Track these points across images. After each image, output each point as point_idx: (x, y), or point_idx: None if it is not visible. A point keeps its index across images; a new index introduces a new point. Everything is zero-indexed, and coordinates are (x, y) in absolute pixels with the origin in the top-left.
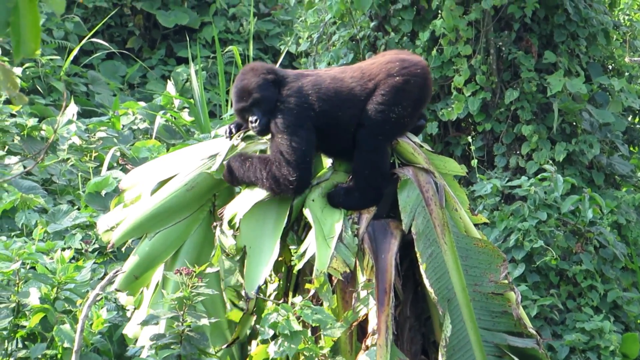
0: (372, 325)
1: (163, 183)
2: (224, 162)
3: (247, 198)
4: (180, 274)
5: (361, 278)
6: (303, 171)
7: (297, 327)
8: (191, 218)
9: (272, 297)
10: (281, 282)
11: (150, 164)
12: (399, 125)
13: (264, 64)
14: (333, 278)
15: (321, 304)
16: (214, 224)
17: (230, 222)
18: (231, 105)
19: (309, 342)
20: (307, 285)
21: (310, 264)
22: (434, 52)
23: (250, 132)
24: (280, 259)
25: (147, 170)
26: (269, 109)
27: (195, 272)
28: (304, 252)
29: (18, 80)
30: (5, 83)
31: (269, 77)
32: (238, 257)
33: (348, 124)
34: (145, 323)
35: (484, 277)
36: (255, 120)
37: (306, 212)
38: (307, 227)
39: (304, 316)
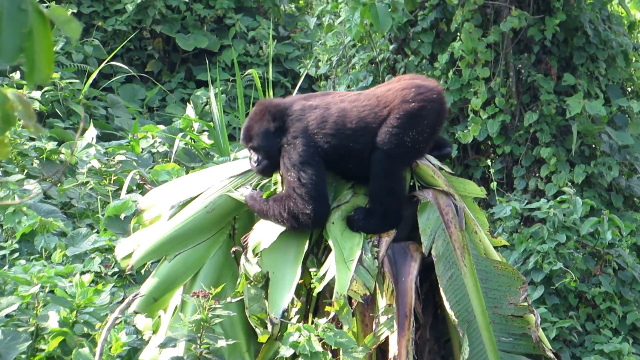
0: (392, 350)
1: (183, 205)
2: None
3: (270, 226)
4: (197, 296)
5: (381, 301)
6: (318, 203)
7: (318, 347)
8: (211, 240)
9: (293, 320)
10: (301, 305)
11: (170, 185)
12: (414, 150)
13: (272, 104)
14: (353, 301)
15: (341, 327)
16: (233, 248)
17: (254, 250)
18: None
19: None
20: (327, 308)
21: (330, 286)
22: (452, 74)
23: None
24: (300, 281)
25: (166, 191)
26: (268, 154)
27: (212, 294)
28: (324, 274)
29: (34, 111)
30: (23, 114)
31: (271, 126)
32: (261, 284)
33: (362, 151)
34: (163, 346)
35: (503, 300)
36: (255, 161)
37: (326, 235)
38: (327, 249)
39: (326, 338)
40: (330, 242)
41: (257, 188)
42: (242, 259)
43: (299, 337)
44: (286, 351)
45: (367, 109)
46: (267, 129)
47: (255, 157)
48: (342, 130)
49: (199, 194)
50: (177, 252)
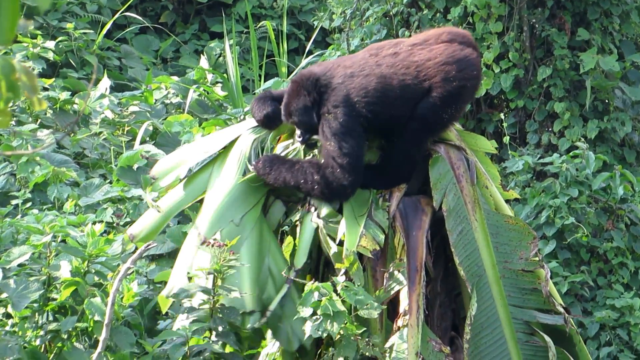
0: (403, 305)
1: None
2: (262, 159)
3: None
4: (212, 246)
5: (392, 256)
6: (356, 176)
7: (341, 306)
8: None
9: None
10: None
11: (178, 152)
12: (448, 123)
13: (305, 78)
14: (363, 256)
15: (351, 280)
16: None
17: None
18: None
19: (347, 322)
20: (338, 265)
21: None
22: (465, 28)
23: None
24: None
25: (177, 157)
26: (310, 128)
27: (227, 245)
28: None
29: (38, 84)
30: (27, 86)
31: (308, 101)
32: None
33: (400, 118)
34: (176, 297)
35: (514, 254)
36: (299, 136)
37: None
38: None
39: (345, 296)
40: None
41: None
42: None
43: (318, 296)
44: (306, 312)
45: (409, 79)
46: (304, 104)
47: (298, 132)
48: (385, 98)
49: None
50: (242, 214)
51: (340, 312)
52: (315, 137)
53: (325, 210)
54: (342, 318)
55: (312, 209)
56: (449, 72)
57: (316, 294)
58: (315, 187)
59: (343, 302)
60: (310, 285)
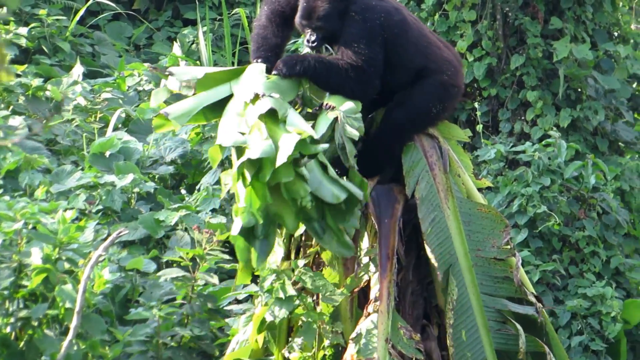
0: (374, 291)
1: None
2: (282, 60)
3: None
4: (200, 232)
5: (364, 243)
6: (378, 81)
7: (292, 291)
8: None
9: (277, 261)
10: (284, 248)
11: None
12: (434, 120)
13: None
14: None
15: (322, 270)
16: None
17: None
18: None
19: (308, 308)
20: (310, 250)
21: None
22: (438, 16)
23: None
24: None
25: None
26: (329, 35)
27: (215, 236)
28: None
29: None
30: None
31: (339, 5)
32: None
33: (398, 73)
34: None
35: (486, 243)
36: (313, 42)
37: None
38: None
39: (302, 282)
40: None
41: None
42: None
43: (274, 282)
44: (264, 298)
45: (422, 45)
46: (334, 9)
47: (313, 37)
48: (401, 35)
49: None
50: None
51: (291, 297)
52: (327, 46)
53: (346, 106)
54: (292, 303)
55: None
56: (449, 69)
57: (272, 277)
58: (347, 83)
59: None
60: (267, 269)
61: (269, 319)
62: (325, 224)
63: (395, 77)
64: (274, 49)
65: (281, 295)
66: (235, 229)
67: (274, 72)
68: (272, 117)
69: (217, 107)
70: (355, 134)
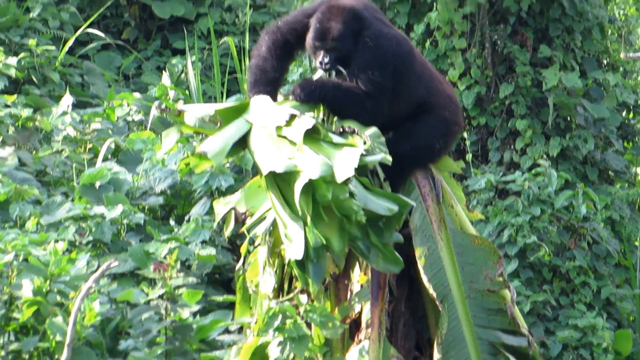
0: (365, 319)
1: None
2: (299, 85)
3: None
4: (159, 270)
5: (356, 273)
6: (382, 110)
7: (306, 330)
8: None
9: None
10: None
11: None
12: (437, 156)
13: (351, 4)
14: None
15: (314, 301)
16: None
17: None
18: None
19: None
20: (296, 284)
21: None
22: (428, 44)
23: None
24: (277, 250)
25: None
26: (342, 56)
27: (171, 265)
28: None
29: None
30: None
31: (353, 27)
32: None
33: (399, 103)
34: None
35: (479, 274)
36: (326, 64)
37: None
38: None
39: (309, 318)
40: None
41: None
42: None
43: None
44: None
45: (425, 79)
46: (349, 30)
47: (326, 59)
48: (407, 68)
49: None
50: None
51: (305, 336)
52: (340, 68)
53: (370, 131)
54: (307, 341)
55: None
56: (451, 106)
57: (280, 316)
58: (361, 111)
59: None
60: (274, 307)
61: (277, 356)
62: (370, 242)
63: (397, 107)
64: (272, 83)
65: (295, 334)
66: (296, 253)
67: (291, 97)
68: (310, 136)
69: (239, 141)
70: (388, 159)
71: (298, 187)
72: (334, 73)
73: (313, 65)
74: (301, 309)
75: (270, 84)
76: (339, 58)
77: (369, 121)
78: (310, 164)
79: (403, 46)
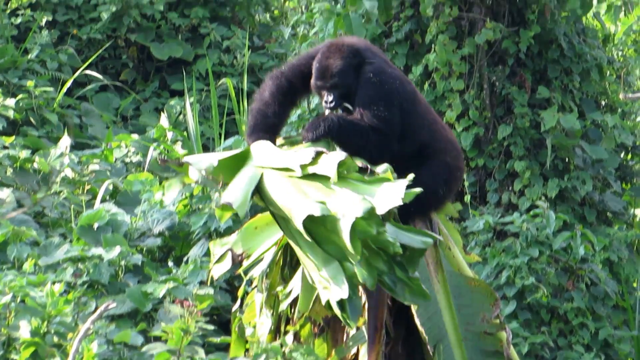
0: None
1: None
2: (307, 126)
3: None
4: (182, 306)
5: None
6: (395, 142)
7: None
8: None
9: (263, 338)
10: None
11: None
12: (440, 202)
13: (351, 42)
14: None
15: (312, 342)
16: None
17: None
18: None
19: None
20: (289, 328)
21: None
22: (427, 86)
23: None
24: (273, 292)
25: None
26: (345, 92)
27: (197, 307)
28: (289, 292)
29: None
30: None
31: (353, 62)
32: None
33: (402, 144)
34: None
35: (476, 317)
36: (330, 102)
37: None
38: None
39: (292, 359)
40: (300, 256)
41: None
42: None
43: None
44: None
45: (428, 122)
46: (349, 66)
47: (330, 97)
48: (412, 106)
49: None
50: None
51: None
52: (346, 104)
53: (381, 167)
54: None
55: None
56: (453, 151)
57: (263, 356)
58: (368, 145)
59: None
60: (261, 347)
61: None
62: (396, 277)
63: (399, 148)
64: (272, 129)
65: None
66: (342, 293)
67: (303, 142)
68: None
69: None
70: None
71: (345, 226)
72: (339, 111)
73: (311, 107)
74: (286, 350)
75: (270, 130)
76: (343, 95)
77: (376, 155)
78: (346, 202)
79: (406, 85)
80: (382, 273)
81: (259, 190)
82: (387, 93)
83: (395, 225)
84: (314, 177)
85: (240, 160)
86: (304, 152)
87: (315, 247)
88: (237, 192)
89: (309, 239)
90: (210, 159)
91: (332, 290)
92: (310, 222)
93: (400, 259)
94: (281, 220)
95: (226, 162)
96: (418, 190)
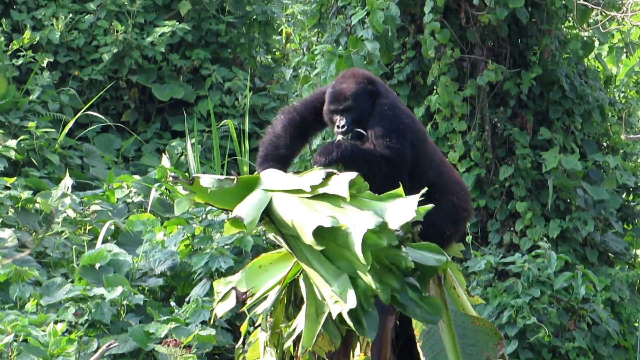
0: None
1: None
2: (318, 152)
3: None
4: (168, 345)
5: (356, 353)
6: (405, 175)
7: None
8: None
9: None
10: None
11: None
12: (447, 242)
13: (366, 72)
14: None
15: None
16: None
17: None
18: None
19: None
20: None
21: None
22: (429, 127)
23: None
24: (277, 330)
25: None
26: (358, 117)
27: (183, 343)
28: (293, 329)
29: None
30: None
31: (368, 88)
32: None
33: (411, 182)
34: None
35: (480, 356)
36: (343, 126)
37: (301, 284)
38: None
39: None
40: (303, 293)
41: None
42: None
43: None
44: None
45: (435, 163)
46: (363, 90)
47: (343, 121)
48: (420, 144)
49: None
50: None
51: None
52: (359, 130)
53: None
54: None
55: None
56: (460, 192)
57: None
58: (378, 174)
59: None
60: None
61: None
62: (407, 296)
63: (408, 189)
64: (282, 160)
65: None
66: (350, 302)
67: (315, 166)
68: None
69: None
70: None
71: (357, 237)
72: (349, 135)
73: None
74: None
75: (280, 161)
76: (356, 120)
77: (385, 186)
78: (358, 216)
79: (417, 125)
80: (394, 290)
81: (268, 213)
82: (401, 127)
83: (409, 244)
84: (324, 196)
85: (249, 186)
86: (315, 173)
87: (325, 262)
88: (248, 208)
89: (319, 248)
90: (220, 180)
91: (342, 303)
92: (321, 238)
93: (412, 277)
94: (291, 239)
95: (235, 187)
96: (429, 206)
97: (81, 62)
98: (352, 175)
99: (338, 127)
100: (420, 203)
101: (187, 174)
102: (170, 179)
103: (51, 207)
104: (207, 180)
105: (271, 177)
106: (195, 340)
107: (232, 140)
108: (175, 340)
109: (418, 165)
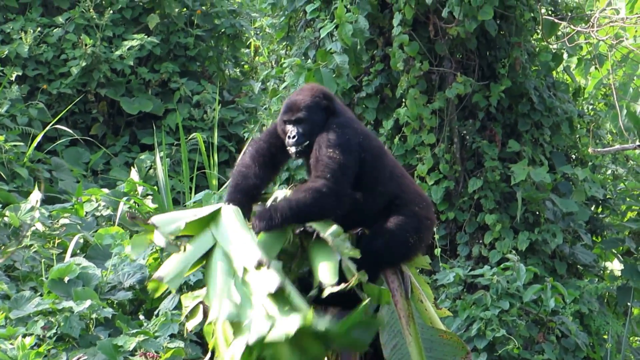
0: None
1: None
2: (255, 218)
3: None
4: (146, 358)
5: None
6: (347, 192)
7: None
8: None
9: None
10: None
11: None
12: (412, 252)
13: (325, 88)
14: None
15: None
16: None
17: None
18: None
19: None
20: None
21: None
22: (397, 140)
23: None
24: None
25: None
26: (309, 130)
27: (161, 357)
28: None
29: None
30: None
31: (322, 103)
32: None
33: (371, 197)
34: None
35: None
36: (294, 137)
37: None
38: None
39: None
40: None
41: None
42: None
43: None
44: None
45: (396, 175)
46: (318, 103)
47: (294, 132)
48: (377, 159)
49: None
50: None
51: None
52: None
53: (330, 229)
54: None
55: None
56: (421, 202)
57: None
58: (325, 205)
59: None
60: None
61: None
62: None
63: (369, 202)
64: (252, 190)
65: None
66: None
67: (255, 232)
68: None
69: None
70: (356, 252)
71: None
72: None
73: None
74: None
75: (249, 191)
76: (307, 132)
77: (337, 211)
78: (282, 323)
79: (373, 140)
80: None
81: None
82: (348, 141)
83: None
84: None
85: (207, 222)
86: (251, 253)
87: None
88: (174, 265)
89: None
90: (178, 222)
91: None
92: None
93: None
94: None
95: (193, 224)
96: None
97: (50, 75)
98: (275, 285)
99: (289, 137)
100: (382, 214)
101: (155, 187)
102: (129, 218)
103: (20, 221)
104: (160, 238)
105: (227, 221)
106: (165, 352)
107: (200, 154)
108: (149, 352)
109: (378, 178)
